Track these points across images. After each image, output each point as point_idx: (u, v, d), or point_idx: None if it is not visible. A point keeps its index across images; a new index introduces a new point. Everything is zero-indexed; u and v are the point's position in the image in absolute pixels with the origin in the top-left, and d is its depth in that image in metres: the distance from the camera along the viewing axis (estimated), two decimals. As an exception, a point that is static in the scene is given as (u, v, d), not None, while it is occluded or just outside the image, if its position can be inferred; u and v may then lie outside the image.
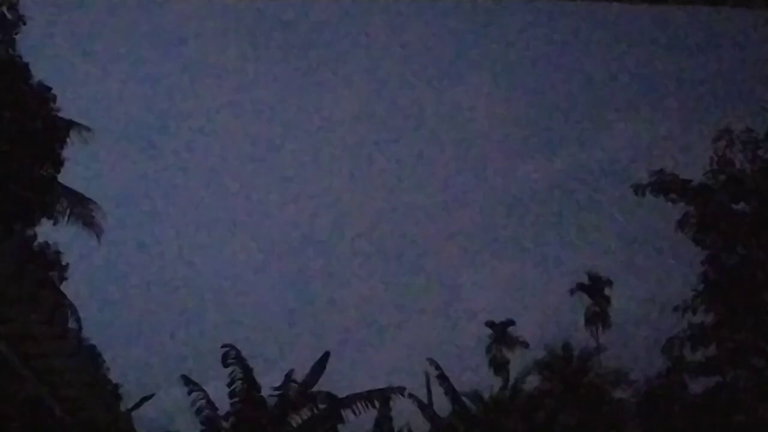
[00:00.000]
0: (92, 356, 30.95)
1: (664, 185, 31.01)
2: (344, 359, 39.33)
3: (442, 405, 34.32)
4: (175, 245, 49.81)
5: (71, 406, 18.36)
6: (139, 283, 44.85)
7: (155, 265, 47.66)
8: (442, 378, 33.91)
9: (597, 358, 30.54)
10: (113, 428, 24.32)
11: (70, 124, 26.44)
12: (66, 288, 28.92)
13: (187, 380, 34.75)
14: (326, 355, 35.15)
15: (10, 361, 16.49)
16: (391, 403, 34.63)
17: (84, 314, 29.78)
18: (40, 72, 24.20)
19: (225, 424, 34.84)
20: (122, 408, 32.14)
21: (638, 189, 30.92)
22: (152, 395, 34.58)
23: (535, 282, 38.15)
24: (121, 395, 33.11)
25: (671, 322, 30.43)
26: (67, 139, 25.97)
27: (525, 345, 32.66)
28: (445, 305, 44.17)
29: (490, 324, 34.05)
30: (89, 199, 27.75)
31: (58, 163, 25.71)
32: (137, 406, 34.00)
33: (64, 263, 28.27)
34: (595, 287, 31.17)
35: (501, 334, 33.69)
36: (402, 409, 34.73)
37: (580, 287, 31.76)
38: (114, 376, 32.77)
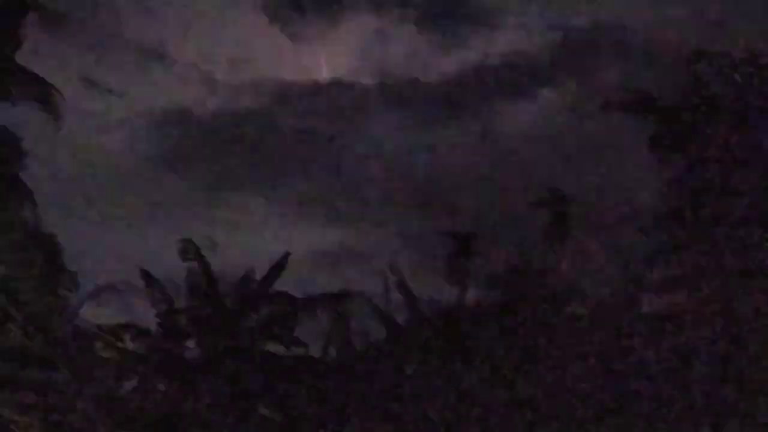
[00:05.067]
0: (50, 245, 30.55)
1: (635, 102, 30.85)
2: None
3: (399, 312, 34.31)
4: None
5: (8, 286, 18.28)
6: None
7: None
8: (401, 285, 33.83)
9: (553, 273, 30.50)
10: (55, 313, 24.24)
11: (32, 3, 25.91)
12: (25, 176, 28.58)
13: (145, 274, 34.61)
14: (286, 255, 35.03)
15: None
16: (348, 307, 34.59)
17: (46, 202, 29.44)
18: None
19: (181, 320, 34.80)
20: (79, 296, 31.84)
21: (607, 106, 30.73)
22: (109, 285, 34.27)
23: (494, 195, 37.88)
24: (78, 283, 32.86)
25: (634, 242, 30.43)
26: (28, 18, 25.48)
27: (484, 257, 32.54)
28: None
29: (453, 234, 33.84)
30: (48, 83, 27.27)
31: (17, 42, 25.26)
32: (94, 295, 33.79)
33: (24, 150, 27.88)
34: (555, 203, 31.05)
35: (463, 245, 33.52)
36: (359, 314, 34.70)
37: (541, 202, 31.64)
38: (74, 266, 32.53)
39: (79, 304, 31.49)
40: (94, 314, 33.91)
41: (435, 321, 32.96)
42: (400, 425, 30.29)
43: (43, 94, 26.61)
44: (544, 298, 29.56)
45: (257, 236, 41.91)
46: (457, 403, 29.86)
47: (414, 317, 33.98)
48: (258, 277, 35.00)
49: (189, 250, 34.40)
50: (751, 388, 26.33)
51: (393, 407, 30.49)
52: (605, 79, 42.10)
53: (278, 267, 34.76)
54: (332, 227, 44.08)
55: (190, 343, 34.88)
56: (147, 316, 35.15)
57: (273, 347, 35.03)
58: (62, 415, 28.28)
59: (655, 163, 30.42)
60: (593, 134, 35.97)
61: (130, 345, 34.91)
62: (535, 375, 28.46)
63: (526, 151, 41.01)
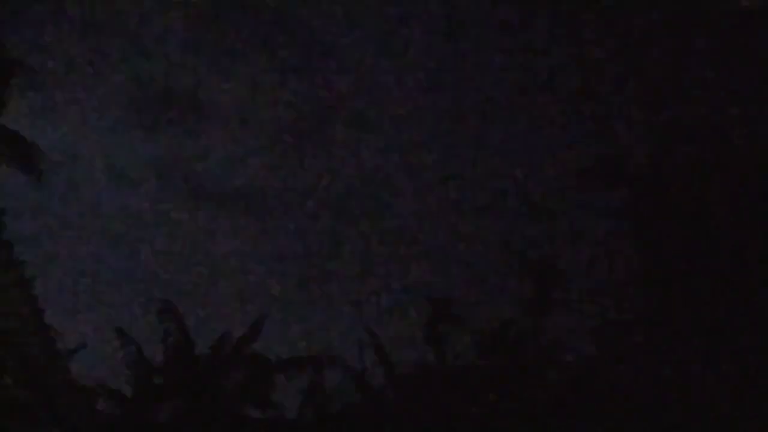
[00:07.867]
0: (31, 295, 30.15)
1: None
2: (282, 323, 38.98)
3: (375, 376, 34.16)
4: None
5: (4, 337, 18.01)
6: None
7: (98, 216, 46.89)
8: (378, 348, 33.70)
9: (534, 340, 30.55)
10: (49, 365, 23.78)
11: (14, 64, 25.88)
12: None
13: (120, 332, 34.34)
14: (264, 317, 34.90)
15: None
16: (324, 371, 34.42)
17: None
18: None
19: (156, 380, 34.48)
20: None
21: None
22: (85, 345, 33.91)
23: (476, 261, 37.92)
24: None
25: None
26: (11, 81, 25.45)
27: (463, 322, 32.53)
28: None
29: (431, 300, 33.84)
30: (31, 143, 27.16)
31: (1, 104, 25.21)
32: (72, 352, 33.38)
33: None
34: (539, 272, 31.11)
35: (441, 310, 33.49)
36: (334, 378, 34.56)
37: (523, 270, 31.67)
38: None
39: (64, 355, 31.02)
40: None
41: (412, 385, 32.87)
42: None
43: (26, 155, 26.51)
44: (523, 365, 29.59)
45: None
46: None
47: (390, 382, 33.87)
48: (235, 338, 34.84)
49: (166, 310, 34.21)
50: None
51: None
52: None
53: (256, 328, 34.58)
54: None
55: (165, 406, 34.57)
56: (121, 377, 34.89)
57: (249, 410, 34.78)
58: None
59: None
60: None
61: (101, 406, 34.53)
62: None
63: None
